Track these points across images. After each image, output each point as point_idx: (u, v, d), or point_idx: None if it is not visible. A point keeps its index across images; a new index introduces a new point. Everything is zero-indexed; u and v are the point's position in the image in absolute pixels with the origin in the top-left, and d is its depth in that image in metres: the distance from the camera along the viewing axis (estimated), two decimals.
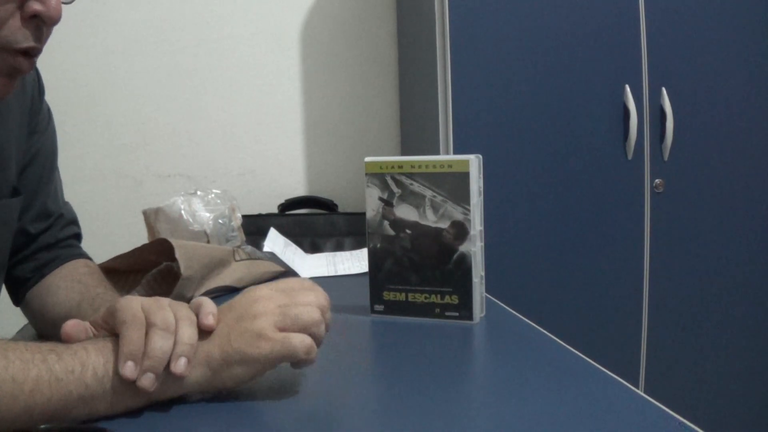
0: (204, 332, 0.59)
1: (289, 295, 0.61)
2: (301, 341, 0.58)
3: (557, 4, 1.60)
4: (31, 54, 0.65)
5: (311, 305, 0.61)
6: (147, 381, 0.55)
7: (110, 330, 0.59)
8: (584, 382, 0.63)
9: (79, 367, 0.54)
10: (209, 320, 0.59)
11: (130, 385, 0.55)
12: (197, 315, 0.60)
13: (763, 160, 1.71)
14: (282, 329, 0.59)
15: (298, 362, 0.60)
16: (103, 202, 1.93)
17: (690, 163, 1.68)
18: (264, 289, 0.62)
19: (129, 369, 0.55)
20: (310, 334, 0.60)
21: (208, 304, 0.61)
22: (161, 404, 0.58)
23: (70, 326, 0.59)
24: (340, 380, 0.65)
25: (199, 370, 0.58)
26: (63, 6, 0.65)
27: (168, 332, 0.57)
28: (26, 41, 0.64)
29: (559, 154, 1.63)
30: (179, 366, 0.56)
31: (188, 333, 0.58)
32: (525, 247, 1.64)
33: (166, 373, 0.56)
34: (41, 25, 0.64)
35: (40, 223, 0.91)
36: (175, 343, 0.57)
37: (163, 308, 0.59)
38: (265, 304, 0.60)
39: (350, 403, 0.59)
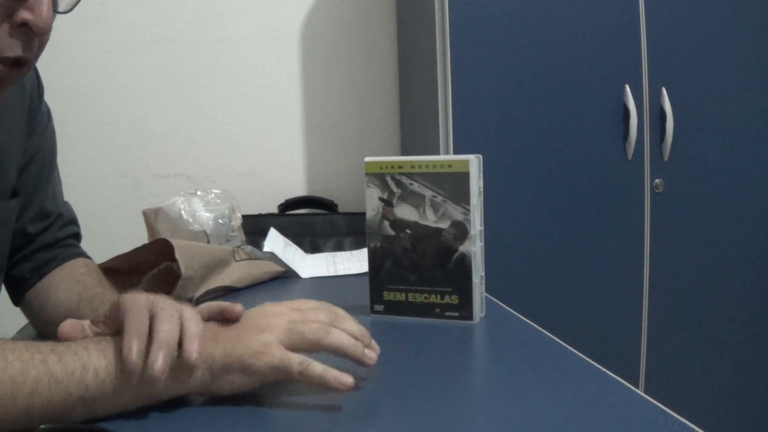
0: (210, 337, 0.60)
1: (300, 313, 0.62)
2: (299, 362, 0.58)
3: (557, 5, 1.60)
4: (20, 64, 0.64)
5: (319, 323, 0.61)
6: (158, 366, 0.54)
7: (113, 328, 0.59)
8: (584, 382, 0.63)
9: (79, 368, 0.54)
10: (238, 307, 0.61)
11: (132, 385, 0.55)
12: (221, 309, 0.62)
13: (763, 160, 1.71)
14: (288, 346, 0.59)
15: (303, 381, 0.59)
16: (103, 202, 1.93)
17: (690, 163, 1.68)
18: (277, 306, 0.63)
19: (132, 351, 0.54)
20: (319, 349, 0.60)
21: (224, 303, 0.63)
22: (162, 404, 0.58)
23: (67, 327, 0.59)
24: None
25: (201, 372, 0.58)
26: (61, 14, 0.65)
27: (174, 318, 0.57)
28: (13, 50, 0.62)
29: (559, 154, 1.63)
30: (192, 354, 0.55)
31: (196, 326, 0.58)
32: (525, 247, 1.64)
33: (170, 372, 0.56)
34: (30, 34, 0.62)
35: (39, 223, 0.91)
36: (183, 334, 0.57)
37: (168, 301, 0.59)
38: (275, 320, 0.61)
39: (350, 403, 0.59)
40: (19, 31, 0.61)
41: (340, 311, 0.66)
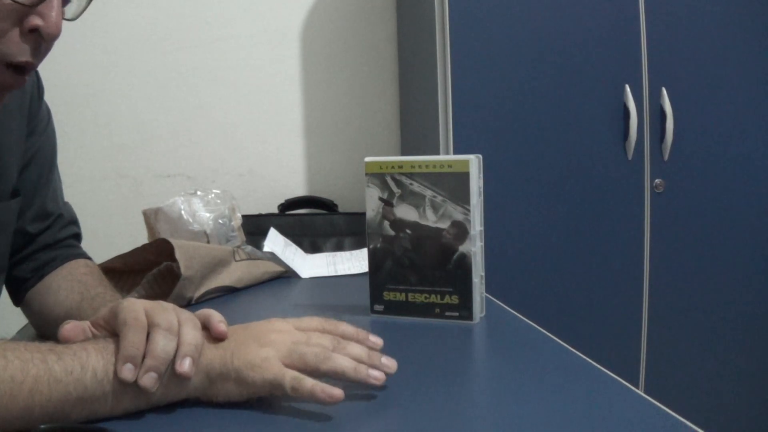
0: (211, 342, 0.60)
1: (305, 335, 0.62)
2: (291, 378, 0.57)
3: (557, 5, 1.60)
4: (25, 69, 0.64)
5: (321, 347, 0.61)
6: (149, 380, 0.55)
7: (111, 330, 0.59)
8: (584, 382, 0.63)
9: (78, 368, 0.54)
10: (221, 327, 0.60)
11: (130, 387, 0.55)
12: (208, 324, 0.61)
13: (763, 160, 1.71)
14: (287, 365, 0.59)
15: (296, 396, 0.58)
16: (103, 202, 1.93)
17: (690, 163, 1.68)
18: (283, 323, 0.63)
19: (127, 371, 0.55)
20: (319, 373, 0.59)
21: (217, 314, 0.62)
22: (161, 405, 0.58)
23: (68, 329, 0.59)
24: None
25: (200, 377, 0.58)
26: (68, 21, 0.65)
27: (171, 333, 0.57)
28: (23, 55, 0.63)
29: (559, 154, 1.63)
30: (184, 365, 0.56)
31: (192, 334, 0.58)
32: (525, 247, 1.64)
33: (167, 375, 0.56)
34: (40, 40, 0.63)
35: (39, 224, 0.91)
36: (179, 344, 0.57)
37: (167, 310, 0.59)
38: (279, 337, 0.61)
39: (350, 403, 0.59)
40: (29, 37, 0.63)
41: (349, 329, 0.65)
